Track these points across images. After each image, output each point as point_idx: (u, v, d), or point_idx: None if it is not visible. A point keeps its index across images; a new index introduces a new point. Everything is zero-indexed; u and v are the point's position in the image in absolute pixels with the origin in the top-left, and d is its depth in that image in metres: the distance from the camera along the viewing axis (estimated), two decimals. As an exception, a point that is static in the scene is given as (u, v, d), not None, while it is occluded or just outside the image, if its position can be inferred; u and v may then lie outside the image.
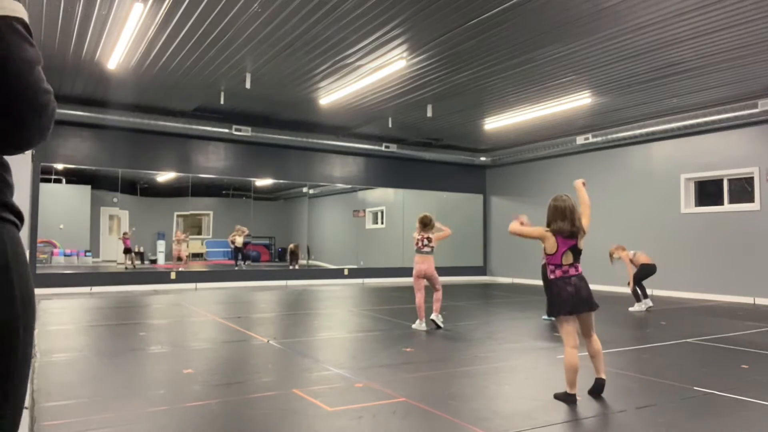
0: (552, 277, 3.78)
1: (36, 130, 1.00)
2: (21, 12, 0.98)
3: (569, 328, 3.71)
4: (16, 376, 0.99)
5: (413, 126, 12.33)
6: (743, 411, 3.55)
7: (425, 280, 6.81)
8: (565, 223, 3.73)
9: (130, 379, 4.25)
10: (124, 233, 13.95)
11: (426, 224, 6.84)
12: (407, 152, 14.15)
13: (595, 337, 3.80)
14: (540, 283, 8.71)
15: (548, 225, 3.80)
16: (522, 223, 3.98)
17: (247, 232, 14.66)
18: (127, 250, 13.77)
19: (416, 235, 6.83)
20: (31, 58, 0.97)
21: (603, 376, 3.77)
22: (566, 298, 3.68)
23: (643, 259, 8.80)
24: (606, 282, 12.18)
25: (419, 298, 6.77)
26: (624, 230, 11.96)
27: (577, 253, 3.78)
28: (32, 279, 1.04)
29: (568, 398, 3.64)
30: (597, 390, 3.76)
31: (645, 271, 8.74)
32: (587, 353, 3.79)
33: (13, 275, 0.97)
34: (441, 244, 7.09)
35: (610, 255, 8.81)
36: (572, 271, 3.75)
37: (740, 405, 3.66)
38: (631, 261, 8.74)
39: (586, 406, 3.60)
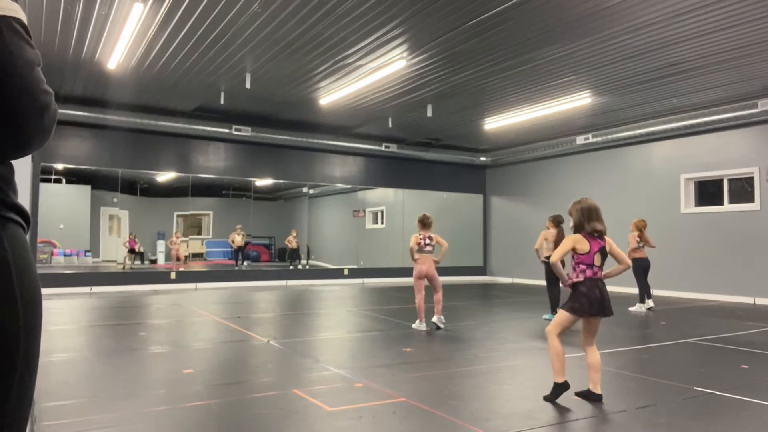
0: (582, 277, 3.69)
1: (37, 132, 0.99)
2: (20, 13, 0.98)
3: (569, 324, 3.70)
4: (17, 380, 0.95)
5: (413, 126, 12.33)
6: (743, 411, 3.55)
7: (426, 281, 6.81)
8: (599, 223, 3.71)
9: (130, 379, 4.25)
10: (130, 234, 13.98)
11: (425, 224, 6.83)
12: (407, 152, 14.16)
13: (595, 347, 3.75)
14: (542, 283, 8.72)
15: (579, 227, 3.74)
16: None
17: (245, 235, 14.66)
18: (131, 251, 13.79)
19: (417, 235, 6.81)
20: (30, 58, 0.97)
21: (600, 392, 3.67)
22: (593, 300, 3.63)
23: (640, 253, 8.89)
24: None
25: (420, 299, 6.76)
26: (624, 230, 11.96)
27: (604, 255, 3.74)
28: (37, 279, 1.01)
29: (559, 388, 3.60)
30: (590, 400, 3.67)
31: (641, 264, 8.83)
32: (587, 362, 3.73)
33: (14, 274, 0.95)
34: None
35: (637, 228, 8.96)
36: (600, 274, 3.72)
37: (740, 405, 3.66)
38: (638, 241, 8.88)
39: (586, 406, 3.60)
